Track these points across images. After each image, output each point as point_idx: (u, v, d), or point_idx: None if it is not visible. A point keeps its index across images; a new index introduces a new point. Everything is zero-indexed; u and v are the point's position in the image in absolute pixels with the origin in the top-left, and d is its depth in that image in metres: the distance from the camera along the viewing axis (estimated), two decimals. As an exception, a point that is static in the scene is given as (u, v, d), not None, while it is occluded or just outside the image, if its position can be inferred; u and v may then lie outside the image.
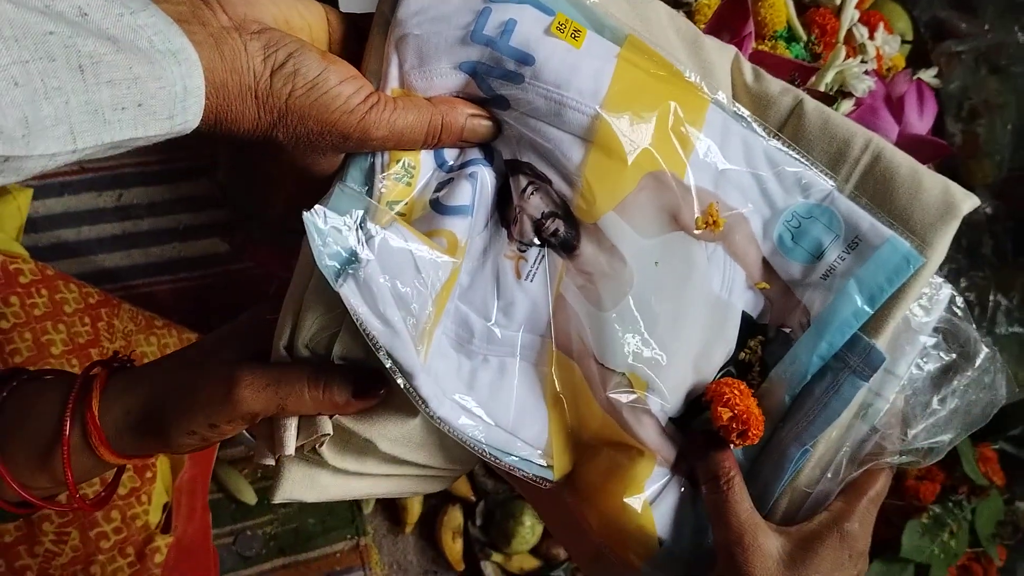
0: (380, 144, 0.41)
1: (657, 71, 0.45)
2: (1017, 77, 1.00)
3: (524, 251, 0.44)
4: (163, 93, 0.32)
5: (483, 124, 0.43)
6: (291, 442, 0.42)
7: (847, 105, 0.57)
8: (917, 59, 0.68)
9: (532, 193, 0.44)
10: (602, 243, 0.44)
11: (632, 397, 0.45)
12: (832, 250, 0.46)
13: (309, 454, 0.44)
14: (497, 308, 0.45)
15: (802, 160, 0.46)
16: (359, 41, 0.43)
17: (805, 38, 0.58)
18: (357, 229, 0.40)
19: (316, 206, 0.40)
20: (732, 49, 0.48)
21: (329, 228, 0.39)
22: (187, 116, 0.34)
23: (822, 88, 0.56)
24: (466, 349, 0.45)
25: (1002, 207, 1.10)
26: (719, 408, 0.45)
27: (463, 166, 0.44)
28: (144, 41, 0.32)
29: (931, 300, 0.46)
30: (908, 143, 0.58)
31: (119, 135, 0.31)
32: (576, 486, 0.47)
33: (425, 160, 0.44)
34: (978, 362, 0.47)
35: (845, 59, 0.57)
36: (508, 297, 0.45)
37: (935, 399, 0.47)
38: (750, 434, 0.44)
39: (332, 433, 0.42)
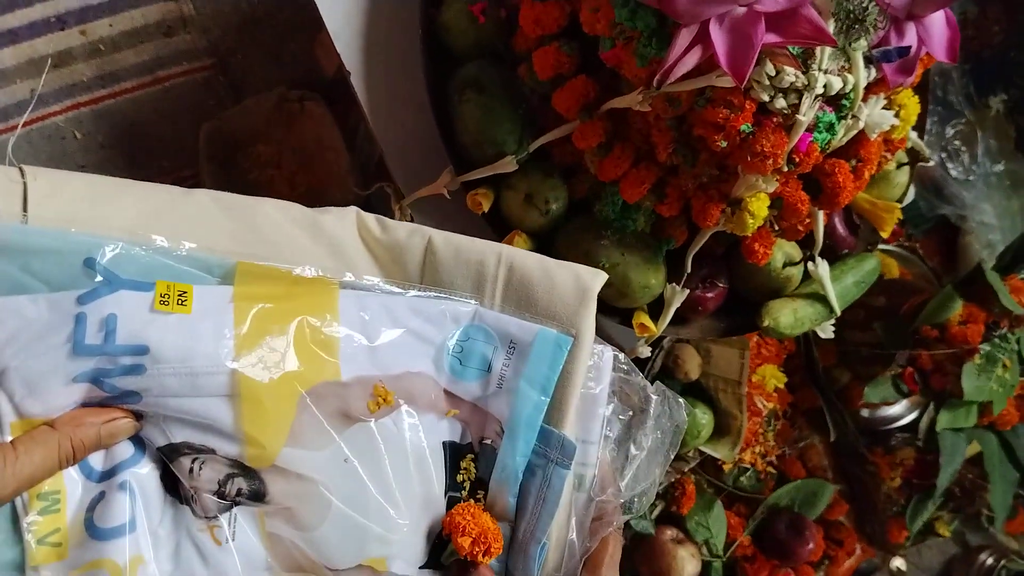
0: (15, 495, 0.40)
1: (276, 289, 0.46)
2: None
3: (214, 518, 0.45)
4: None
5: (119, 425, 0.43)
6: None
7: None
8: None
9: (200, 470, 0.44)
10: (288, 477, 0.46)
11: None
12: (496, 360, 0.51)
13: None
14: None
15: (441, 295, 0.50)
16: None
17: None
18: None
19: None
20: (352, 211, 0.52)
21: None
22: None
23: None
24: None
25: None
26: (459, 539, 0.48)
27: (112, 472, 0.44)
28: None
29: (598, 369, 0.52)
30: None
31: None
32: None
33: (69, 477, 0.43)
34: (651, 409, 0.54)
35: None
36: (217, 566, 0.45)
37: (632, 448, 0.54)
38: (492, 549, 0.49)
39: None
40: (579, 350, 0.51)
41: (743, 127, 0.58)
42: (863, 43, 0.57)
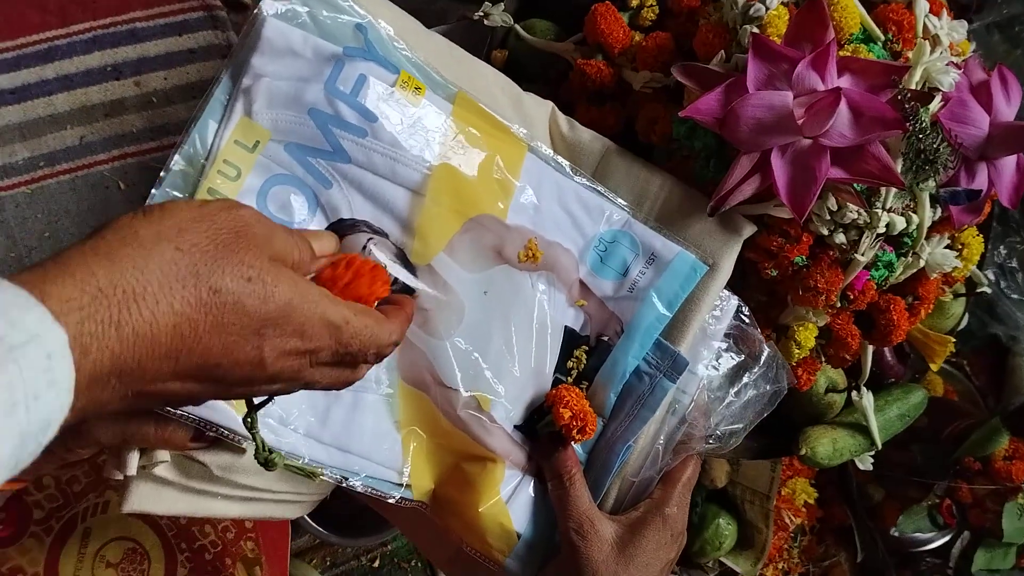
0: None
1: (482, 125, 0.52)
2: (1025, 40, 1.00)
3: None
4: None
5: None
6: (134, 464, 0.46)
7: (936, 102, 0.55)
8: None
9: (372, 249, 0.49)
10: (436, 281, 0.51)
11: (478, 411, 0.52)
12: (635, 267, 0.54)
13: (153, 472, 0.48)
14: None
15: (604, 194, 0.55)
16: None
17: (883, 37, 0.56)
18: None
19: None
20: (549, 104, 0.57)
21: None
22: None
23: (913, 87, 0.54)
24: None
25: (1023, 169, 1.10)
26: (560, 409, 0.52)
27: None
28: None
29: (722, 310, 0.55)
30: (1004, 133, 0.56)
31: None
32: (438, 502, 0.53)
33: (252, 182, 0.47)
34: (762, 359, 0.56)
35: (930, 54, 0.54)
36: None
37: (731, 392, 0.56)
38: (587, 429, 0.52)
39: (168, 460, 0.47)
40: (713, 281, 0.54)
41: (797, 259, 0.55)
42: (931, 184, 0.55)
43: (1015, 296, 1.05)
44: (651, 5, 0.62)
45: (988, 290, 0.75)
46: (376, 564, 0.98)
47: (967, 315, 0.77)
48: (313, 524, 0.86)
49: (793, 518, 0.97)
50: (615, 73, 0.62)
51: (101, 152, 0.88)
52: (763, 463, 0.90)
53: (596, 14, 0.61)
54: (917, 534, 1.01)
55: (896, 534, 1.02)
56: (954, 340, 0.71)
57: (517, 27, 0.67)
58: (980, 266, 0.75)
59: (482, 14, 0.66)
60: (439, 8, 0.94)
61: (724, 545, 0.92)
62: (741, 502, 0.93)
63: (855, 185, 0.53)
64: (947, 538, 1.00)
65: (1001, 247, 1.06)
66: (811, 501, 0.97)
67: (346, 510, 0.80)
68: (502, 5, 0.67)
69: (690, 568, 0.97)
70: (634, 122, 0.62)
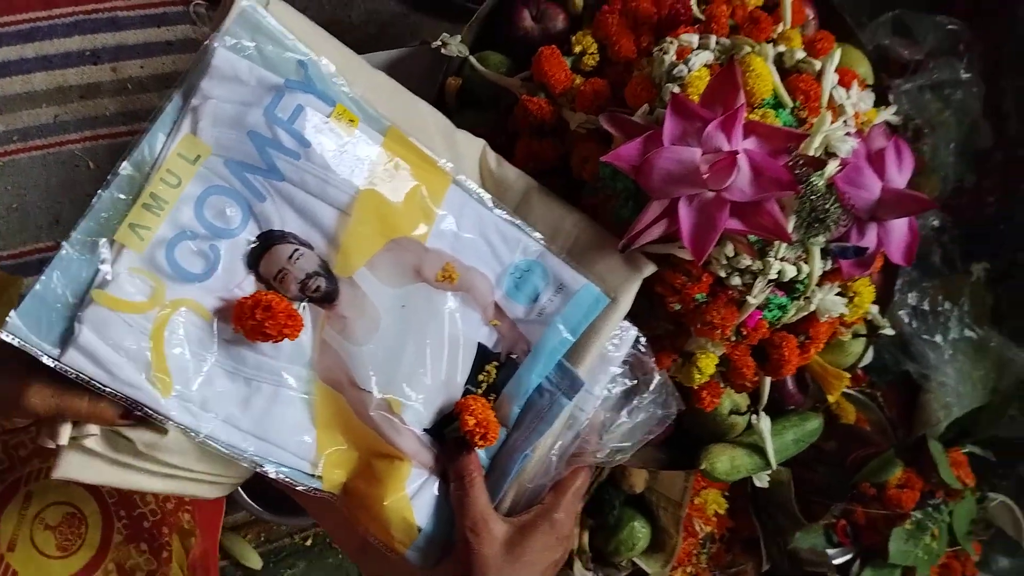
0: None
1: (411, 157, 0.57)
2: (956, 102, 1.07)
3: (291, 300, 0.54)
4: None
5: None
6: (65, 435, 0.50)
7: (833, 166, 0.61)
8: (876, 98, 0.72)
9: (298, 259, 0.54)
10: (356, 292, 0.56)
11: (389, 413, 0.57)
12: (545, 294, 0.60)
13: (83, 443, 0.51)
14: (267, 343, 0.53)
15: (521, 227, 0.60)
16: None
17: (791, 104, 0.62)
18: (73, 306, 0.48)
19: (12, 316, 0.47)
20: (481, 142, 0.63)
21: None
22: None
23: (812, 153, 0.60)
24: (242, 377, 0.54)
25: (948, 219, 1.17)
26: (466, 417, 0.57)
27: (214, 230, 0.52)
28: None
29: (621, 339, 0.62)
30: (893, 199, 0.62)
31: None
32: (348, 493, 0.57)
33: (181, 205, 0.51)
34: (652, 386, 0.63)
35: (831, 123, 0.60)
36: None
37: (623, 413, 0.62)
38: (489, 436, 0.57)
39: (98, 434, 0.51)
40: (613, 312, 0.60)
41: (698, 296, 0.61)
42: (821, 239, 0.61)
43: (926, 337, 1.12)
44: (592, 53, 0.68)
45: (891, 332, 0.82)
46: (309, 543, 1.03)
47: (871, 352, 0.83)
48: (250, 501, 0.90)
49: (703, 526, 1.03)
50: (555, 111, 0.68)
51: (74, 132, 0.92)
52: (678, 473, 0.96)
53: (542, 56, 0.67)
54: (814, 550, 1.08)
55: (800, 549, 1.09)
56: (850, 376, 0.78)
57: (471, 58, 0.72)
58: (884, 311, 0.81)
59: (440, 43, 0.72)
60: (412, 23, 0.99)
61: (637, 546, 0.98)
62: (656, 508, 0.99)
63: (750, 236, 0.59)
64: (849, 556, 1.07)
65: (915, 291, 1.13)
66: (721, 511, 1.03)
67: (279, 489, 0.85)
68: (459, 36, 0.72)
69: (605, 567, 1.03)
70: (570, 157, 0.67)
